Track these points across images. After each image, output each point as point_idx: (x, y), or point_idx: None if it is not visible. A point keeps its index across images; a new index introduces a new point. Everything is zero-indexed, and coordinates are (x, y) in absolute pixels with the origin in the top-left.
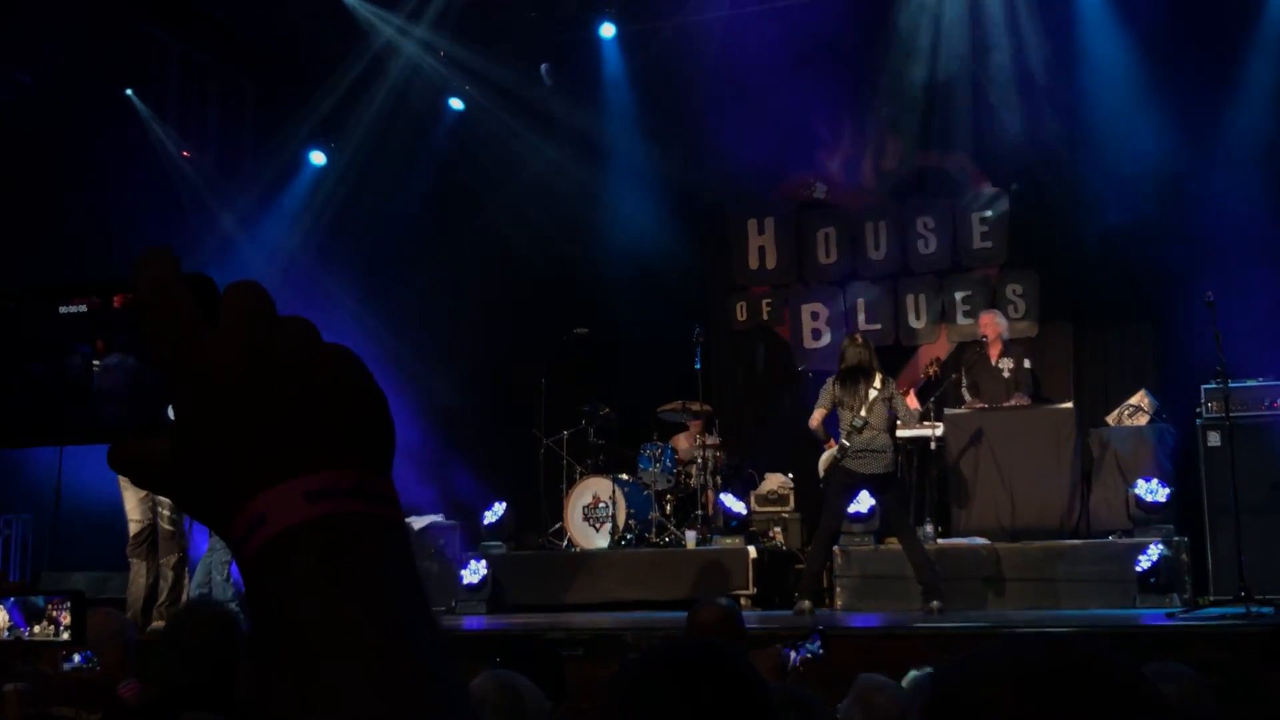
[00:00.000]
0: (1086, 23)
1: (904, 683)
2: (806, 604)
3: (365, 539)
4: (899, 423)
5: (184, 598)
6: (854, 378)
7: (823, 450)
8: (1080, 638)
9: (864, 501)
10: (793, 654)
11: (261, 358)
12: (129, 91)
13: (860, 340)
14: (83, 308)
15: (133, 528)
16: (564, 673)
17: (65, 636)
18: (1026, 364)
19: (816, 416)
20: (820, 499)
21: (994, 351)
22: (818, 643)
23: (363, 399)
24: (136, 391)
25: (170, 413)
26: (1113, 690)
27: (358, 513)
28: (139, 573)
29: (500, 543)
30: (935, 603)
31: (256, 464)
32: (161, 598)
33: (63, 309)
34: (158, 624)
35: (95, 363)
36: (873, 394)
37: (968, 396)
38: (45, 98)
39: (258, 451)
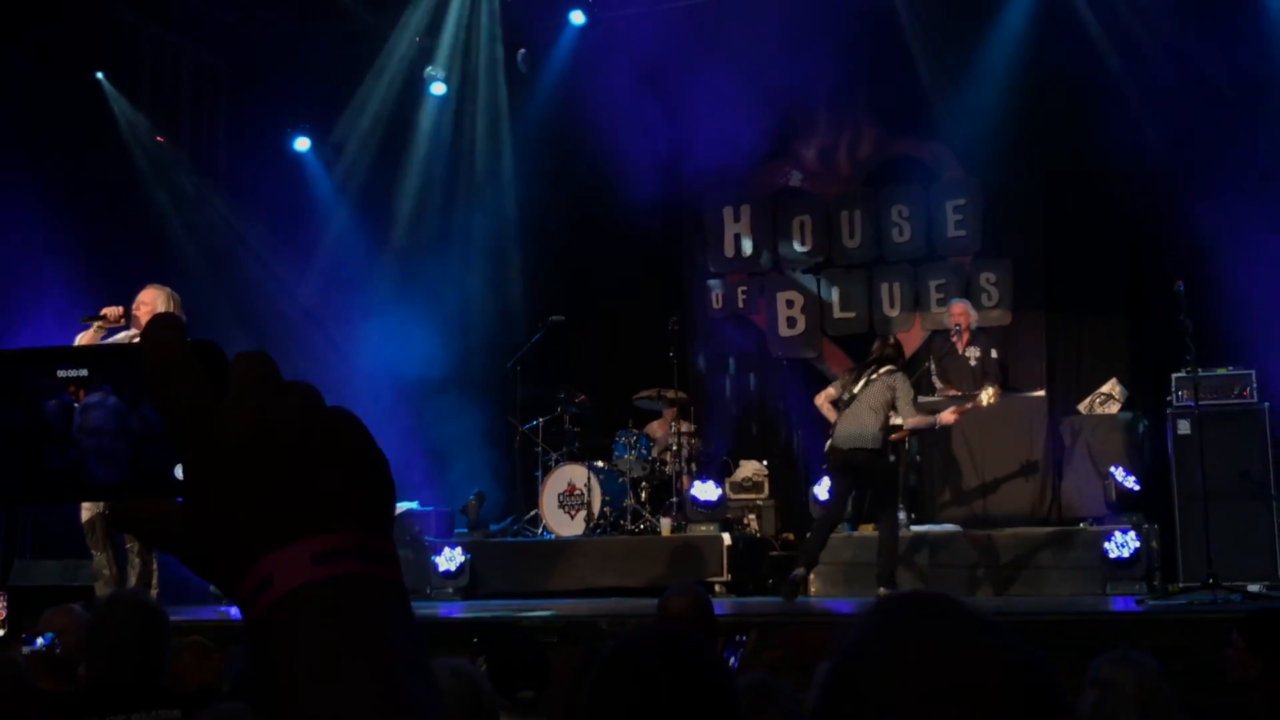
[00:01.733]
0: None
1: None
2: (800, 571)
3: (367, 600)
4: (894, 412)
5: (155, 580)
6: (865, 366)
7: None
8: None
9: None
10: (731, 658)
11: (269, 425)
12: (99, 75)
13: (891, 342)
14: (83, 371)
15: (83, 515)
16: (546, 662)
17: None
18: (994, 354)
19: (822, 395)
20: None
21: (961, 341)
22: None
23: (364, 463)
24: (123, 439)
25: (177, 473)
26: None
27: (360, 574)
28: (101, 564)
29: (476, 529)
30: (883, 589)
31: (264, 527)
32: (132, 584)
33: (61, 372)
34: None
35: (75, 404)
36: (873, 378)
37: (939, 384)
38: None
39: (265, 515)
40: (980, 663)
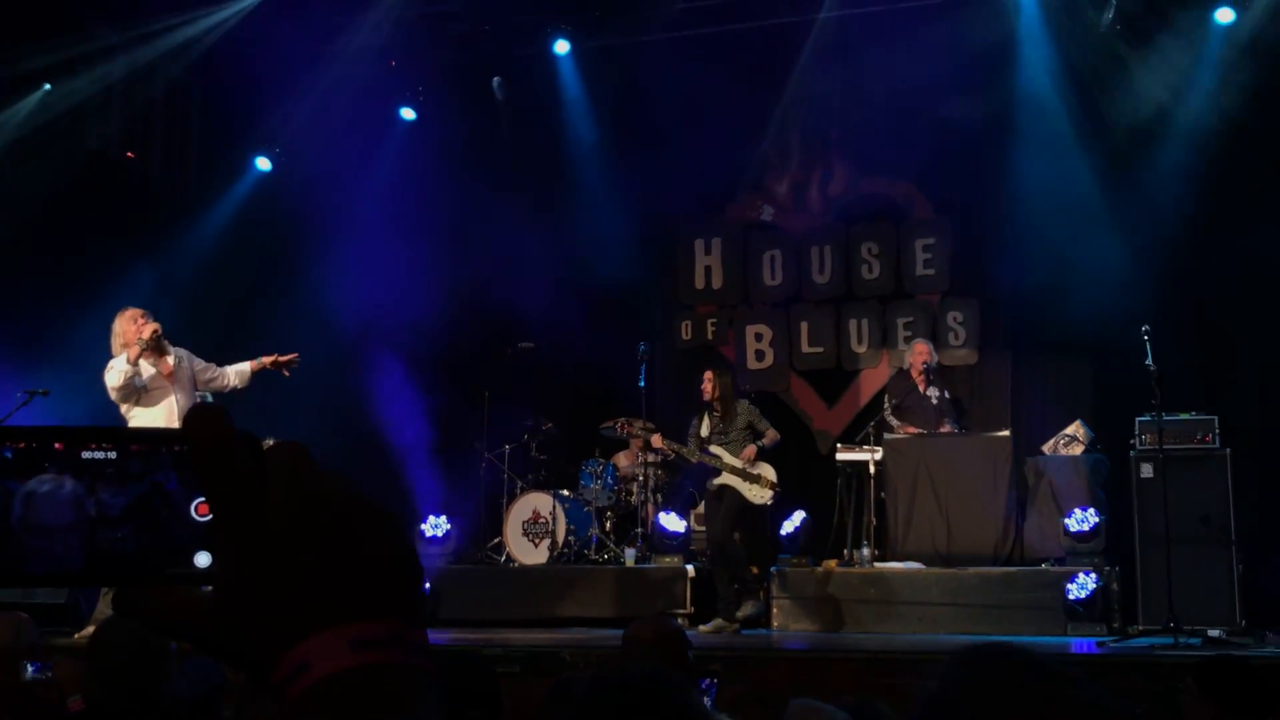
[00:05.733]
0: (1025, 61)
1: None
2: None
3: (403, 689)
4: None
5: None
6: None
7: None
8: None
9: (795, 520)
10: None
11: (312, 512)
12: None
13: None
14: (112, 454)
15: None
16: (499, 690)
17: None
18: (947, 394)
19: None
20: None
21: (922, 381)
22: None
23: (399, 552)
24: (75, 533)
25: (200, 561)
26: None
27: (397, 663)
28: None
29: (440, 556)
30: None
31: (303, 612)
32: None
33: (85, 454)
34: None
35: (15, 489)
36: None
37: (895, 423)
38: None
39: (306, 600)
40: (1068, 713)
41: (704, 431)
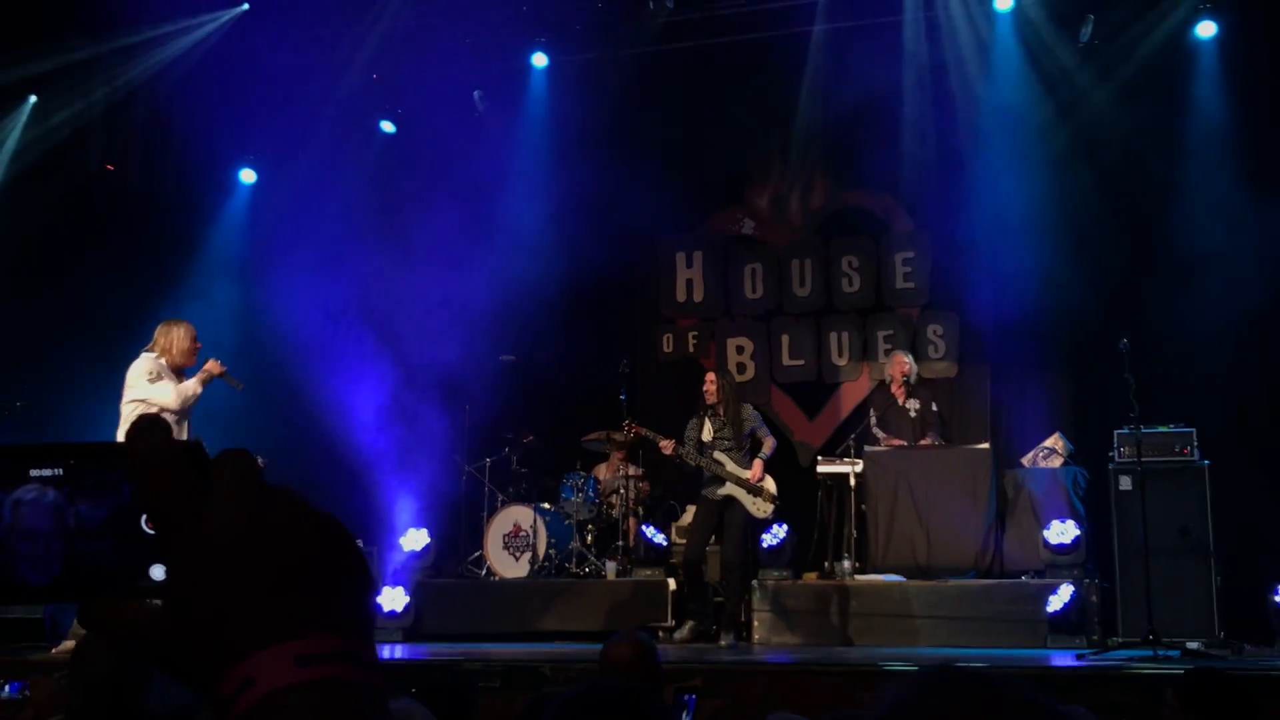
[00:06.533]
0: (1006, 76)
1: None
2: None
3: (348, 705)
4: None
5: None
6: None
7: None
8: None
9: (777, 534)
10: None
11: (257, 526)
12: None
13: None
14: (58, 471)
15: None
16: (475, 701)
17: None
18: (934, 406)
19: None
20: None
21: (902, 392)
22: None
23: (347, 566)
24: (59, 539)
25: (155, 574)
26: None
27: (343, 678)
28: None
29: (419, 569)
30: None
31: (249, 628)
32: None
33: (34, 471)
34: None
35: (4, 499)
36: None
37: (880, 435)
38: None
39: (249, 616)
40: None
41: (705, 435)
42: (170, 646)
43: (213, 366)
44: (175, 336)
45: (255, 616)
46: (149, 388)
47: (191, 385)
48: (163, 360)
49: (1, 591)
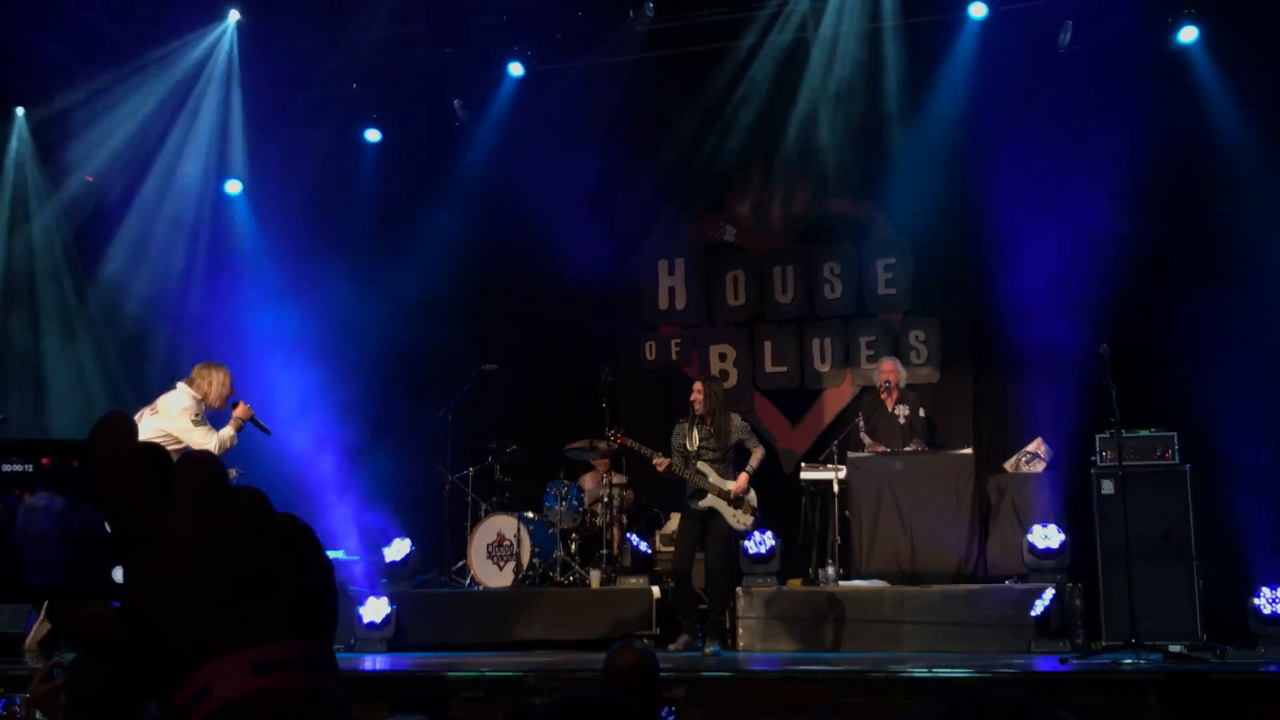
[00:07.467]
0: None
1: None
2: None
3: (305, 713)
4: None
5: None
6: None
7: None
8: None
9: (765, 542)
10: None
11: (216, 530)
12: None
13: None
14: (28, 467)
15: None
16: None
17: None
18: (921, 412)
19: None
20: None
21: (890, 398)
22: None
23: (310, 572)
24: (66, 545)
25: (117, 575)
26: None
27: (301, 686)
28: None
29: (402, 580)
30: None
31: (205, 635)
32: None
33: (7, 467)
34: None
35: (19, 506)
36: None
37: (867, 441)
38: None
39: (205, 623)
40: None
41: (691, 444)
42: (128, 652)
43: (243, 413)
44: (216, 380)
45: (211, 625)
46: (191, 430)
47: (229, 435)
48: (202, 401)
49: (9, 592)
